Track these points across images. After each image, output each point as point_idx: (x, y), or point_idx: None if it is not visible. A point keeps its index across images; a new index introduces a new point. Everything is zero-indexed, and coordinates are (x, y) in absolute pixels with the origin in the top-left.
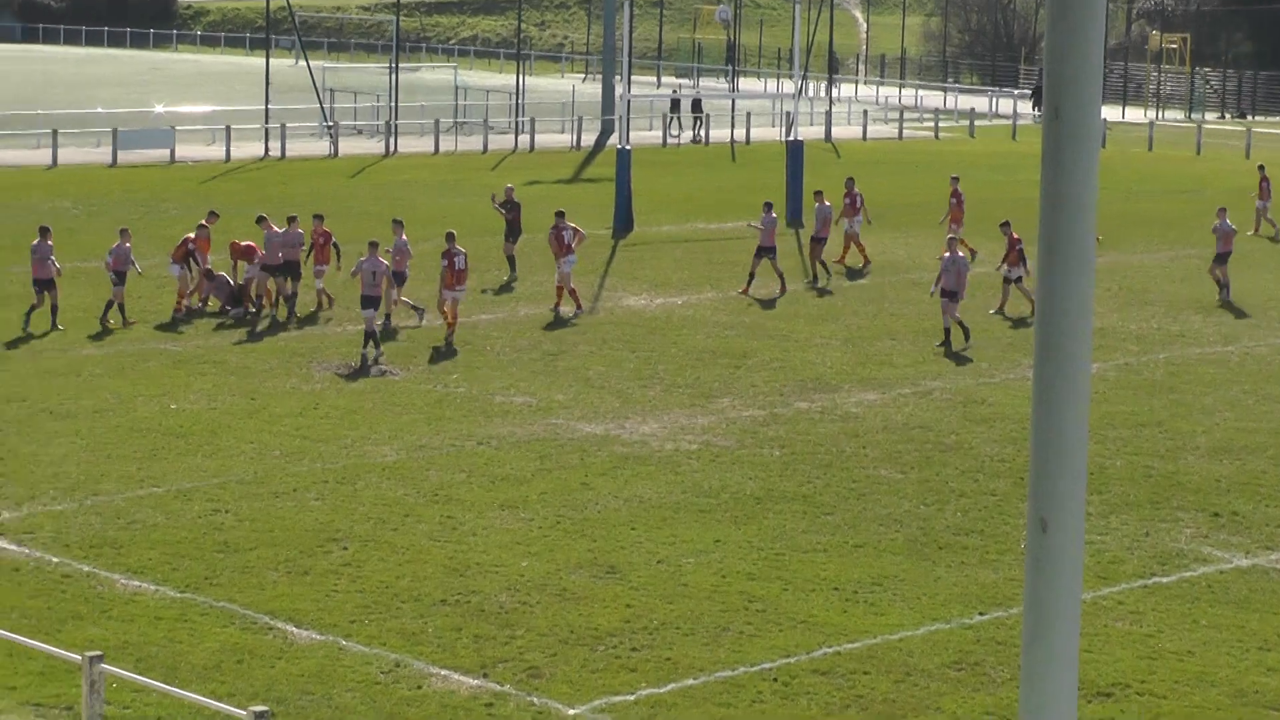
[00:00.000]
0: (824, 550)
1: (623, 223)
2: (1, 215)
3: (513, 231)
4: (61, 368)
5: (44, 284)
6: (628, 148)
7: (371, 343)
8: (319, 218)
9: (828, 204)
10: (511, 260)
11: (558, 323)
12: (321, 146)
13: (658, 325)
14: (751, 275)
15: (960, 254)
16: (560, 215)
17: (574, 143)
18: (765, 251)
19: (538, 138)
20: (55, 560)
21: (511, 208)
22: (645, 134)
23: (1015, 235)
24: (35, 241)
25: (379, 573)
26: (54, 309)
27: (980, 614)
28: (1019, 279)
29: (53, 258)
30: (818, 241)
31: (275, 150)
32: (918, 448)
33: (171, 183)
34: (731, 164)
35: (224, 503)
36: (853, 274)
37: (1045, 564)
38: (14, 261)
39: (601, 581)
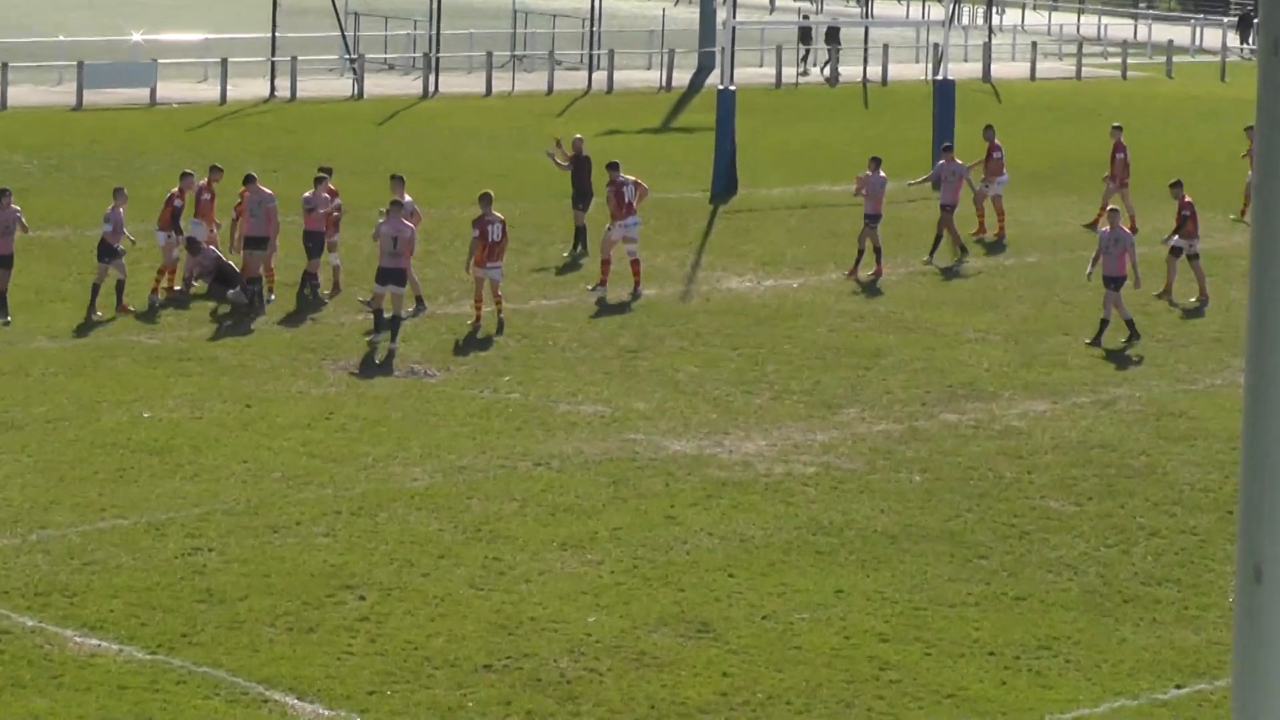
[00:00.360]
0: (976, 604)
1: (724, 183)
2: None
3: (581, 195)
4: (6, 365)
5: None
6: (732, 89)
7: (388, 333)
8: (325, 175)
9: (958, 161)
10: (580, 232)
11: (638, 311)
12: (342, 85)
13: (767, 315)
14: (860, 252)
15: (1123, 229)
16: (615, 168)
17: (663, 83)
18: (870, 221)
19: (617, 75)
20: None
21: (580, 164)
22: (754, 71)
23: (1186, 198)
24: None
25: (405, 630)
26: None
27: (1177, 687)
28: (1196, 255)
29: (20, 218)
30: (947, 209)
31: (283, 90)
32: (1097, 473)
33: (152, 130)
34: (863, 110)
35: (208, 539)
36: (995, 248)
37: (1260, 622)
38: None
39: (691, 643)
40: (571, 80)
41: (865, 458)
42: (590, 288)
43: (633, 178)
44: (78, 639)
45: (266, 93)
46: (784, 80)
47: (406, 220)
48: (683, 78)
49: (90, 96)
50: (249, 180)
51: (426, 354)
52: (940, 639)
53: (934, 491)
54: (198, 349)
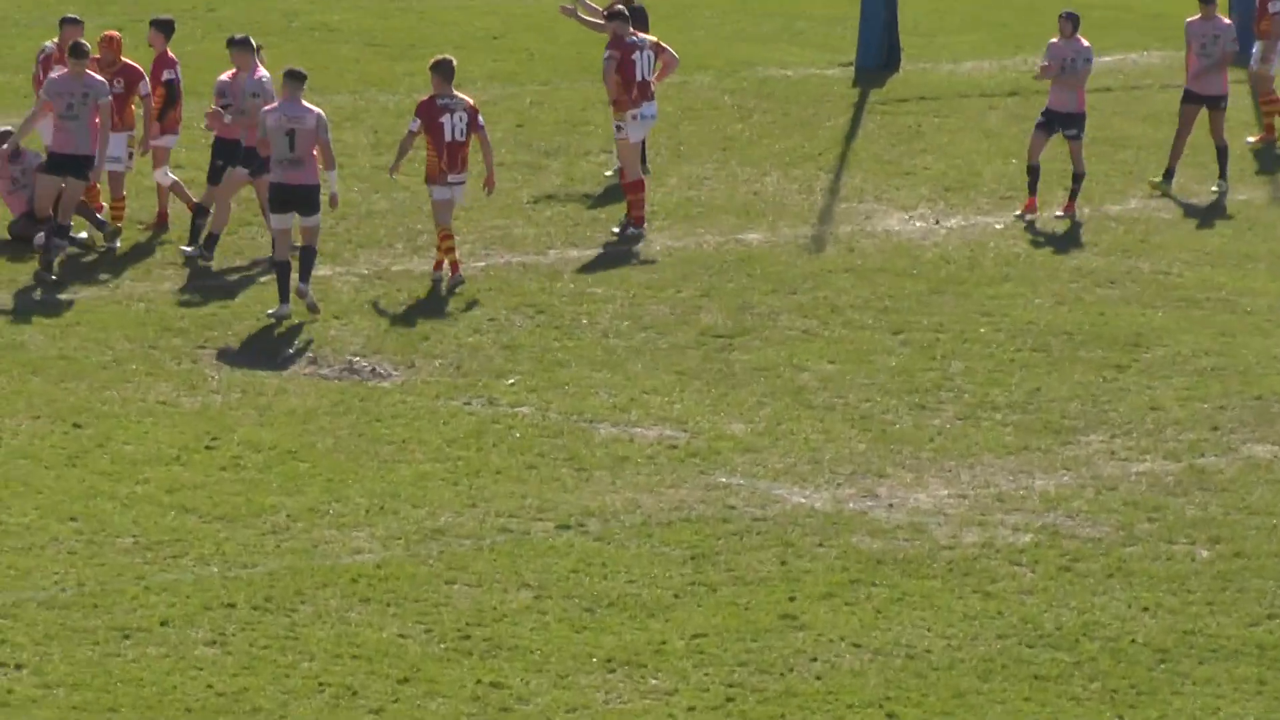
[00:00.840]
0: None
1: (875, 54)
2: None
3: (632, 78)
4: None
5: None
6: None
7: (290, 290)
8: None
9: (1224, 20)
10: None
11: (731, 268)
12: None
13: (952, 275)
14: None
15: None
16: (620, 19)
17: None
18: (1060, 124)
19: None
20: None
21: (632, 17)
22: None
23: None
24: None
25: None
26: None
27: None
28: None
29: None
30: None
31: None
32: None
33: None
34: None
35: (14, 648)
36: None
37: None
38: None
39: None
40: None
41: (1117, 518)
42: (617, 229)
43: (650, 39)
44: None
45: None
46: None
47: (308, 103)
48: None
49: None
50: (78, 51)
51: (375, 339)
52: None
53: (1231, 576)
54: None
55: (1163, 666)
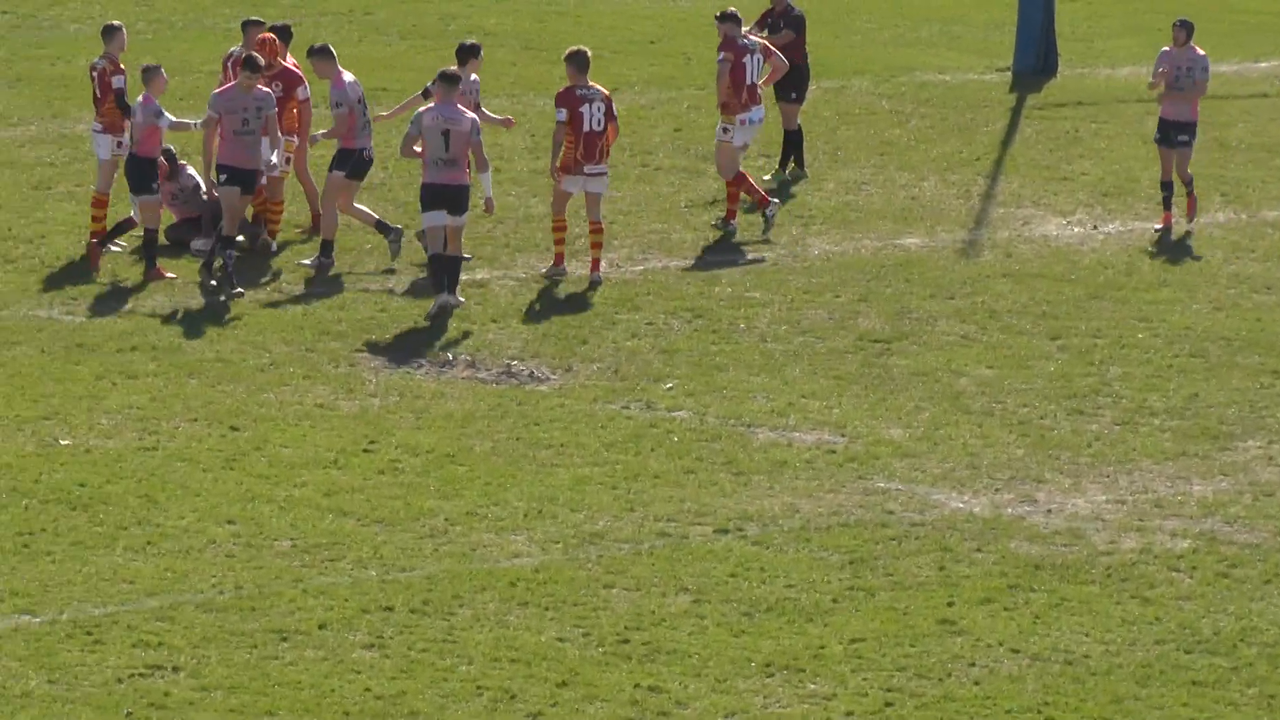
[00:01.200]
0: None
1: (1032, 59)
2: None
3: (792, 78)
4: None
5: None
6: None
7: (443, 296)
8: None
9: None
10: (792, 138)
11: (889, 273)
12: None
13: (1110, 281)
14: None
15: None
16: (732, 21)
17: None
18: (1175, 134)
19: None
20: None
21: (791, 23)
22: None
23: None
24: None
25: None
26: None
27: None
28: None
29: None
30: None
31: None
32: None
33: None
34: None
35: (172, 650)
36: None
37: None
38: None
39: None
40: None
41: (1275, 523)
42: (715, 222)
43: (760, 41)
44: None
45: None
46: None
47: (461, 112)
48: None
49: None
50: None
51: (533, 343)
52: None
53: None
54: (149, 333)
55: None
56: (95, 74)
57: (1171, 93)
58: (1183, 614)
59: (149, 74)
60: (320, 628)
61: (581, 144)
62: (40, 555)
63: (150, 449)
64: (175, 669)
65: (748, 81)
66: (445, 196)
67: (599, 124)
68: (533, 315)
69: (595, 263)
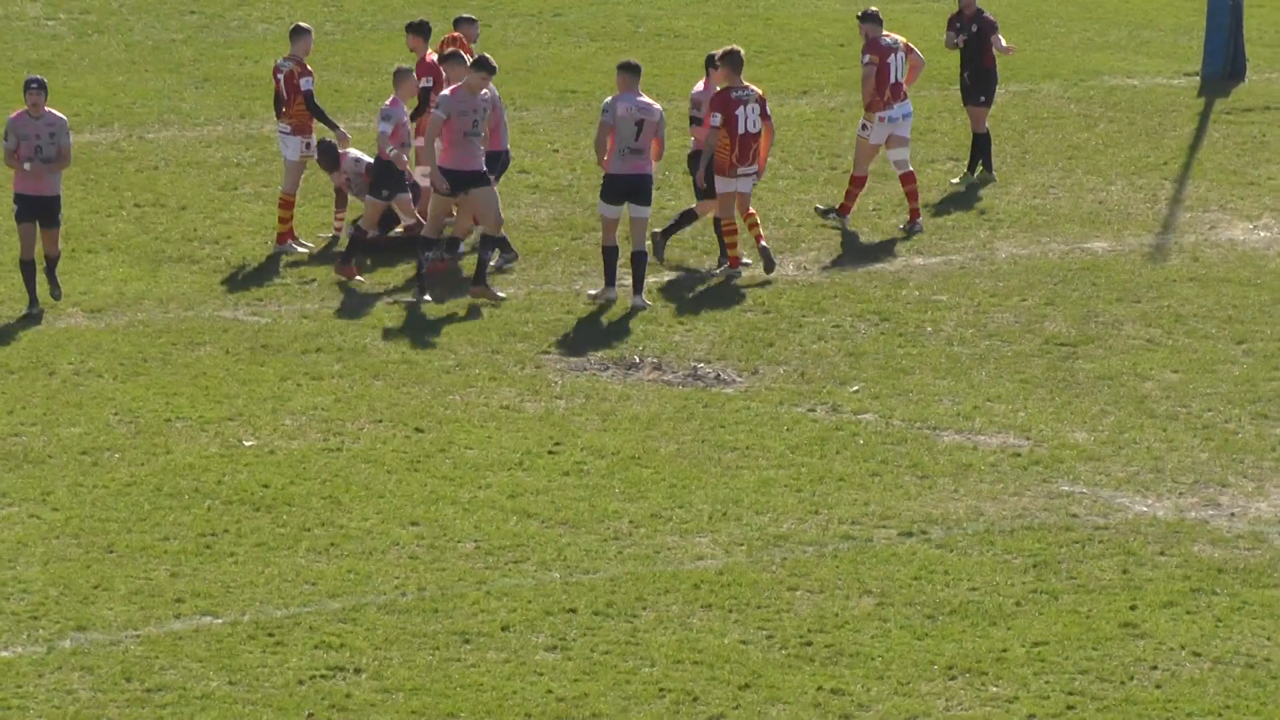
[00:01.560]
0: None
1: (1221, 64)
2: None
3: (979, 80)
4: (16, 358)
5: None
6: None
7: (615, 274)
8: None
9: None
10: (980, 141)
11: (1073, 278)
12: None
13: None
14: None
15: None
16: (873, 20)
17: None
18: None
19: None
20: None
21: (975, 29)
22: None
23: None
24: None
25: None
26: (52, 271)
27: None
28: None
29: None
30: None
31: None
32: None
33: None
34: None
35: (354, 652)
36: None
37: None
38: None
39: None
40: None
41: None
42: (822, 210)
43: (902, 39)
44: None
45: None
46: None
47: (650, 102)
48: None
49: None
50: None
51: (719, 345)
52: None
53: None
54: (334, 333)
55: None
56: (281, 75)
57: None
58: None
59: (400, 76)
60: (503, 629)
61: (737, 146)
62: (223, 556)
63: (334, 450)
64: (357, 670)
65: (891, 80)
66: (631, 186)
67: (754, 125)
68: (719, 317)
69: (758, 237)
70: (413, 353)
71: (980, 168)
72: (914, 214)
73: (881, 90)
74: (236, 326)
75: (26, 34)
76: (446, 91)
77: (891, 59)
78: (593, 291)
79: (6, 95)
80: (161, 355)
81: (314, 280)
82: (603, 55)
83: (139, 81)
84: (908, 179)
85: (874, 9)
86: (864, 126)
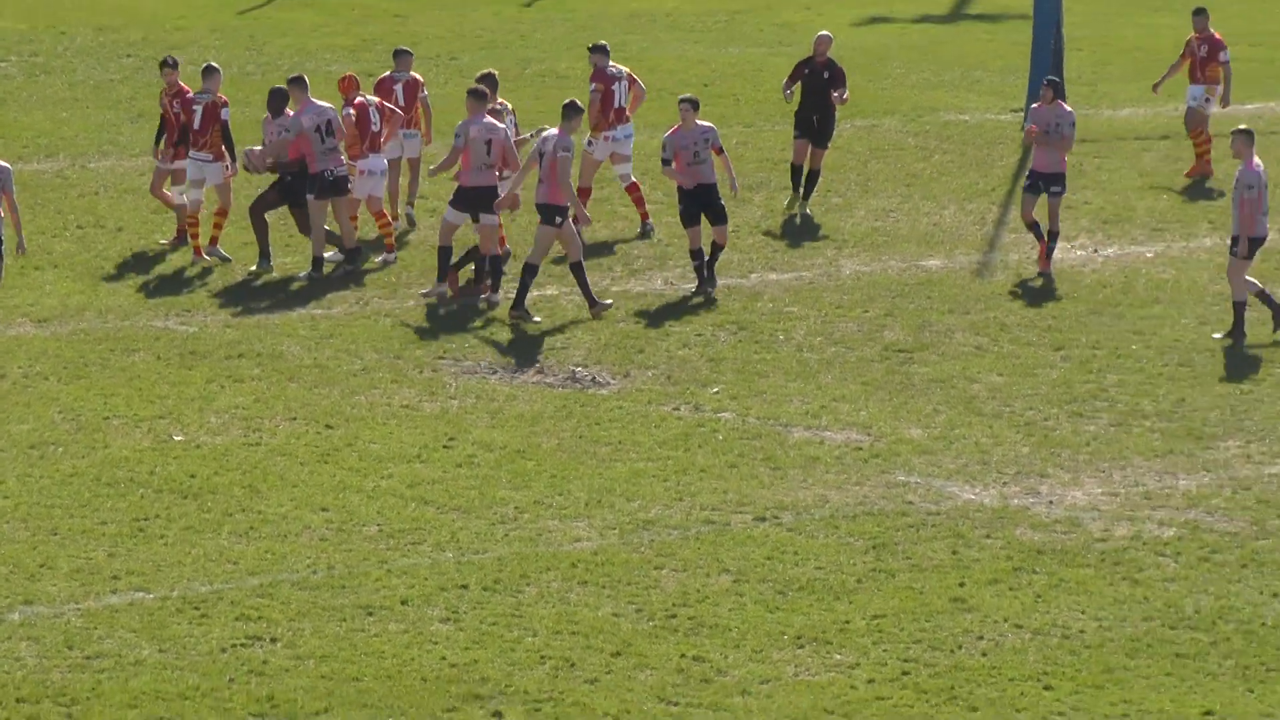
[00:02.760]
0: None
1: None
2: None
3: (809, 119)
4: None
5: None
6: None
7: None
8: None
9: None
10: (813, 178)
11: (912, 292)
12: None
13: (1106, 299)
14: (1033, 227)
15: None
16: (602, 53)
17: None
18: (1044, 185)
19: None
20: None
21: (819, 71)
22: None
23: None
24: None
25: None
26: None
27: None
28: None
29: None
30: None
31: None
32: None
33: (186, 12)
34: None
35: (270, 623)
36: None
37: None
38: None
39: None
40: None
41: (1251, 514)
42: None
43: (627, 70)
44: None
45: None
46: None
47: (495, 122)
48: None
49: None
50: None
51: (595, 351)
52: None
53: None
54: (254, 341)
55: None
56: (198, 107)
57: (1041, 145)
58: (1168, 594)
59: (569, 110)
60: (402, 603)
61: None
62: (154, 539)
63: (253, 445)
64: (273, 640)
65: (615, 105)
66: (474, 199)
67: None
68: (595, 326)
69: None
70: (324, 358)
71: (802, 199)
72: (645, 217)
73: (606, 113)
74: (167, 335)
75: None
76: (674, 130)
77: (616, 86)
78: (424, 290)
79: None
80: (100, 360)
81: (234, 293)
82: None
83: (81, 116)
84: (632, 189)
85: (603, 43)
86: (590, 144)
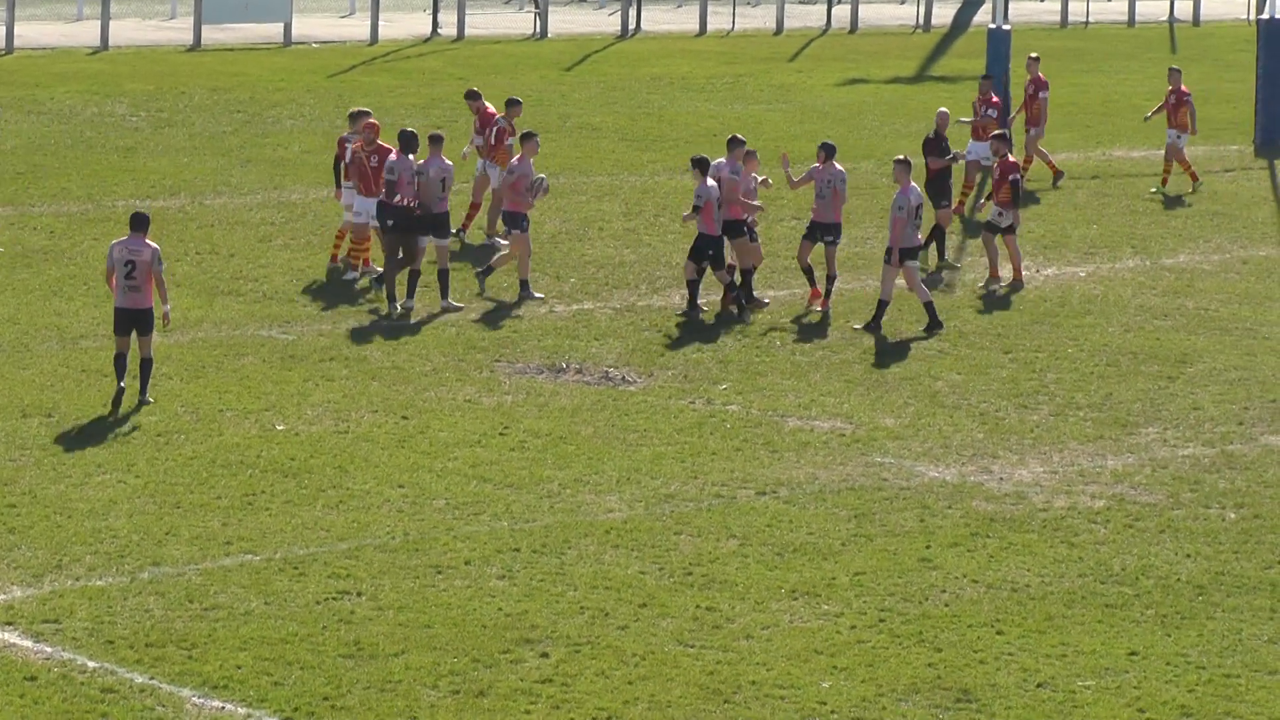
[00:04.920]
0: None
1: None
2: (25, 128)
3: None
4: (107, 365)
5: (135, 319)
6: (1006, 28)
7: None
8: (474, 96)
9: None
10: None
11: (871, 305)
12: (521, 21)
13: (1048, 311)
14: (807, 273)
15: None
16: (473, 95)
17: (920, 20)
18: (821, 235)
19: (862, 10)
20: (92, 665)
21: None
22: (1034, 7)
23: (1010, 158)
24: (121, 241)
25: (597, 695)
26: (144, 371)
27: None
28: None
29: (157, 264)
30: None
31: (448, 27)
32: None
33: (286, 76)
34: (1169, 56)
35: (356, 580)
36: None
37: None
38: (45, 197)
39: (949, 715)
40: (805, 16)
41: (1167, 489)
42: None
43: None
44: (197, 700)
45: (428, 30)
46: (1071, 18)
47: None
48: (945, 13)
49: (210, 34)
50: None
51: (624, 355)
52: (1258, 714)
53: (1252, 532)
54: (342, 347)
55: (1200, 598)
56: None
57: (819, 201)
58: (1099, 555)
59: (734, 145)
60: (466, 563)
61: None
62: (260, 510)
63: (342, 433)
64: (359, 594)
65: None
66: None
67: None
68: (624, 336)
69: None
70: (400, 360)
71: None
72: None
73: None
74: (270, 342)
75: (116, 127)
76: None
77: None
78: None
79: (103, 174)
80: (215, 363)
81: (331, 306)
82: (543, 143)
83: (199, 162)
84: None
85: (475, 89)
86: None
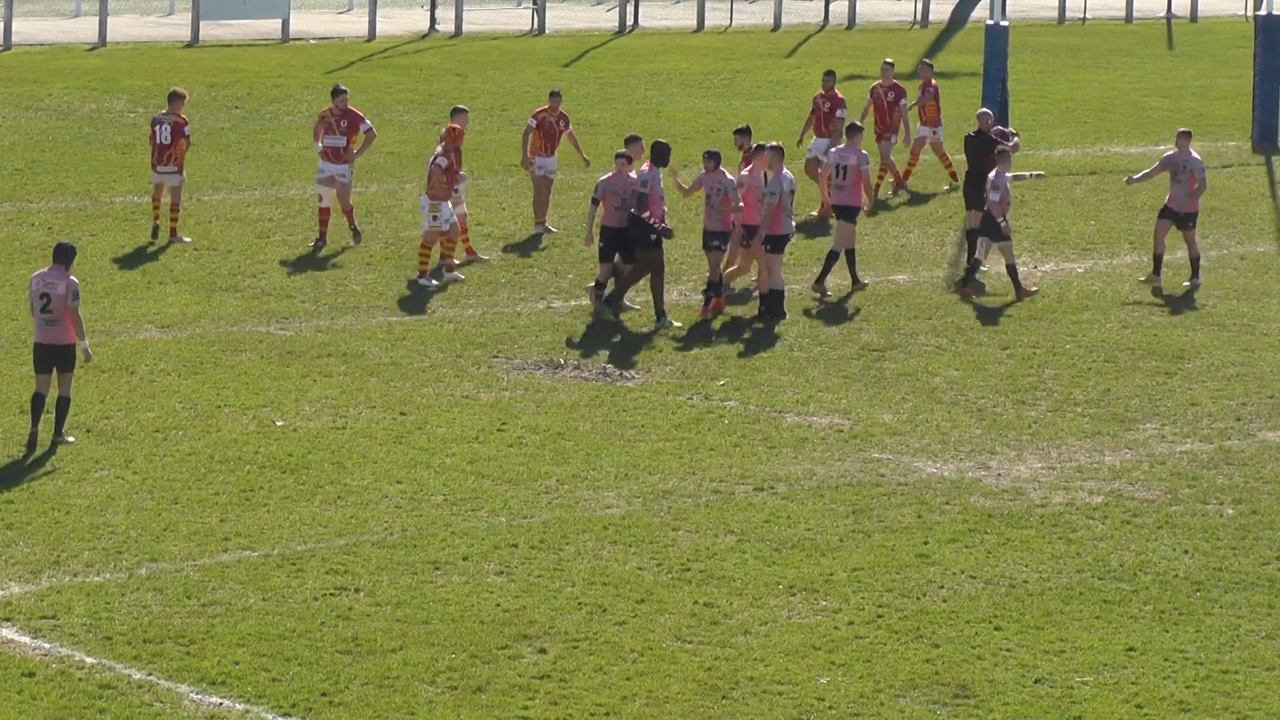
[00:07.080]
0: None
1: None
2: (23, 124)
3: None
4: (107, 361)
5: (55, 355)
6: (1004, 24)
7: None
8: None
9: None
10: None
11: (885, 301)
12: (519, 17)
13: (1045, 307)
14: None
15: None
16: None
17: (917, 16)
18: (722, 241)
19: (860, 7)
20: (90, 661)
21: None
22: (1032, 2)
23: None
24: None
25: (595, 691)
26: (60, 410)
27: None
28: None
29: (73, 299)
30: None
31: (446, 23)
32: None
33: (284, 72)
34: (1167, 52)
35: (354, 576)
36: None
37: None
38: (43, 193)
39: (947, 710)
40: (803, 11)
41: (1165, 485)
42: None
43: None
44: (195, 696)
45: (425, 26)
46: (1069, 14)
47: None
48: (942, 10)
49: (208, 30)
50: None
51: (621, 352)
52: (1255, 710)
53: (1250, 528)
54: (340, 342)
55: (1198, 594)
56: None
57: (708, 208)
58: (1097, 551)
59: (765, 151)
60: (464, 559)
61: None
62: (258, 506)
63: (340, 429)
64: (357, 590)
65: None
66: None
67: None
68: (623, 333)
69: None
70: (398, 357)
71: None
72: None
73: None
74: (269, 338)
75: (114, 123)
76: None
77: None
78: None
79: (101, 171)
80: (214, 359)
81: (328, 302)
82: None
83: (198, 158)
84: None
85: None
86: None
